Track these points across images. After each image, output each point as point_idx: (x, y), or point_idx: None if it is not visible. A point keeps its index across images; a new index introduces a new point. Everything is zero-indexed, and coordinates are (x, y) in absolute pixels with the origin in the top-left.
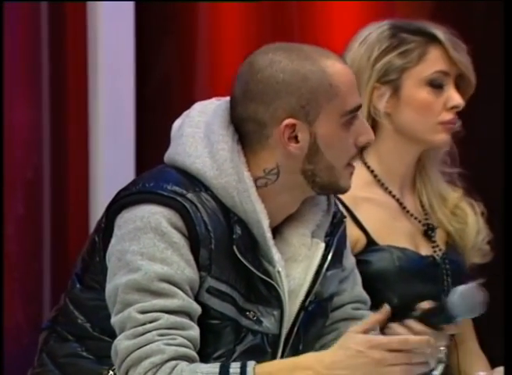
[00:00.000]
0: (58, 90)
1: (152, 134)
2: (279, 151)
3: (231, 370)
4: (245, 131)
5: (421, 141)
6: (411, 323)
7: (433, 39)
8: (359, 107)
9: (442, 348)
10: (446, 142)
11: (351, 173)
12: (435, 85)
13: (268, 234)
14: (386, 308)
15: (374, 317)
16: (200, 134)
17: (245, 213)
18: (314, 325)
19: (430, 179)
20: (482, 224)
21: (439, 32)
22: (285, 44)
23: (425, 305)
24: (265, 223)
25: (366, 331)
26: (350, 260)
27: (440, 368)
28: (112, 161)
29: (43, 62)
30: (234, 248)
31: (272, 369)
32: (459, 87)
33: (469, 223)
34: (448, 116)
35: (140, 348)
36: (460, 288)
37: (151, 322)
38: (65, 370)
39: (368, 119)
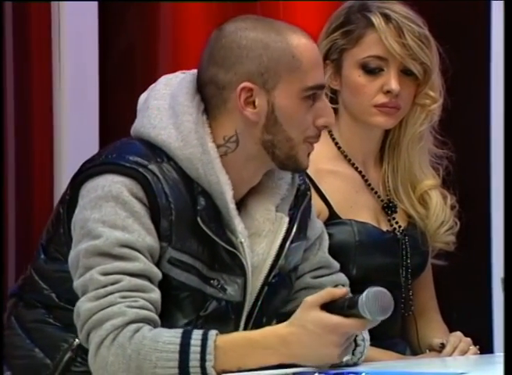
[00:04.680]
0: (23, 67)
1: (116, 106)
2: (238, 118)
3: (192, 341)
4: (207, 97)
5: (361, 122)
6: None
7: (372, 23)
8: (321, 86)
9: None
10: (384, 125)
11: (308, 153)
12: (368, 69)
13: (232, 205)
14: (343, 291)
15: (329, 293)
16: (166, 106)
17: (209, 185)
18: (278, 297)
19: (402, 159)
20: (449, 216)
21: (379, 17)
22: (255, 16)
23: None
24: (229, 195)
25: (320, 305)
26: (314, 230)
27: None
28: (76, 133)
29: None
30: (198, 218)
31: (232, 345)
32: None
33: (431, 213)
34: (382, 99)
35: (102, 310)
36: (373, 289)
37: (112, 284)
38: (32, 335)
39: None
